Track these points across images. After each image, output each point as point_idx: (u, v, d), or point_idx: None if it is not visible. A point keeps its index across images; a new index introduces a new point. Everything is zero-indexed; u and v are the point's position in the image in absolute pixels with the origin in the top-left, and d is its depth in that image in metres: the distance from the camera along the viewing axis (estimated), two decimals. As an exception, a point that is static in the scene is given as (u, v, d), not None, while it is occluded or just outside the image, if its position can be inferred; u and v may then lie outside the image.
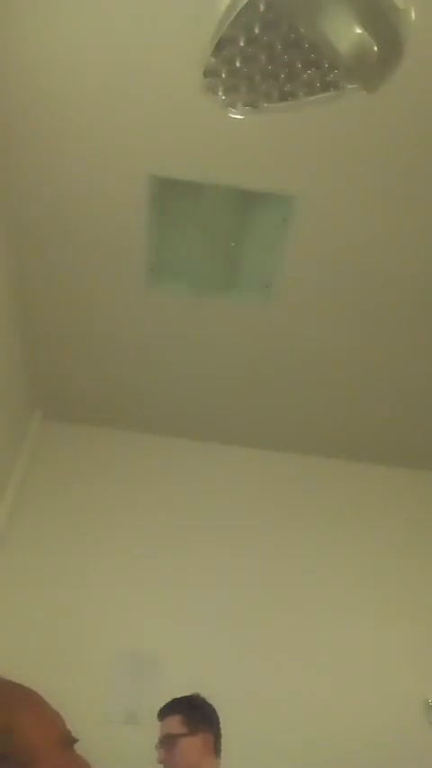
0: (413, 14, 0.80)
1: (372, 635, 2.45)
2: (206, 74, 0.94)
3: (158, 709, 1.76)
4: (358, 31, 0.81)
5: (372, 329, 2.31)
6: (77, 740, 0.71)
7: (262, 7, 0.85)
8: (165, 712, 1.74)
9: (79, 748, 0.72)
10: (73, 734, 0.72)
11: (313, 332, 2.34)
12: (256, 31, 0.88)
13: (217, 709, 1.74)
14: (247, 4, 0.80)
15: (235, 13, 0.81)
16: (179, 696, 1.77)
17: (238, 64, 0.93)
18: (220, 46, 0.89)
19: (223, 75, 0.94)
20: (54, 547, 2.48)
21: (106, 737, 1.97)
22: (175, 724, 1.69)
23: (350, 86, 0.94)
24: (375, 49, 0.82)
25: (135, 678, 2.23)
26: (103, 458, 2.79)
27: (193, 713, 1.72)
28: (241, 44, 0.90)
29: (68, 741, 0.71)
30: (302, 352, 2.43)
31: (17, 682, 0.73)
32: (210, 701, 1.76)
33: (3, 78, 1.64)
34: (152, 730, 2.13)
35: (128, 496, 2.68)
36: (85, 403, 2.79)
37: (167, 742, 1.67)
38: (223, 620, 2.37)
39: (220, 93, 0.97)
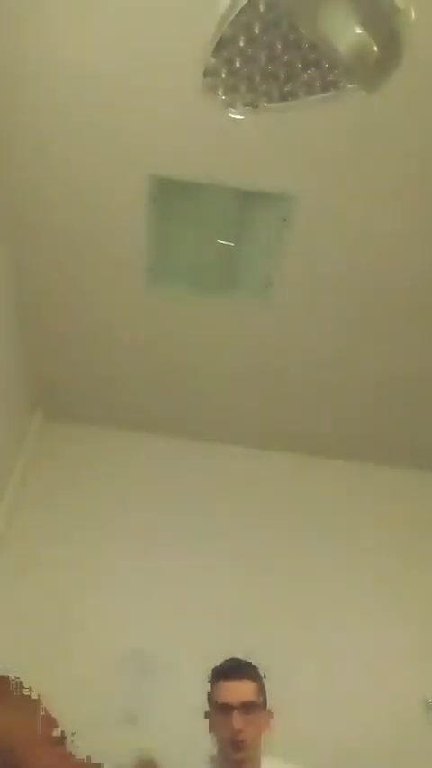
0: (413, 14, 0.80)
1: (372, 635, 2.45)
2: (206, 74, 0.94)
3: (223, 665, 1.56)
4: (358, 31, 0.81)
5: (371, 329, 2.31)
6: (63, 731, 0.71)
7: (262, 7, 0.84)
8: (238, 673, 1.53)
9: (79, 748, 0.72)
10: (59, 724, 0.72)
11: (313, 332, 2.34)
12: (256, 31, 0.88)
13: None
14: (247, 4, 0.80)
15: (235, 13, 0.81)
16: (241, 659, 1.57)
17: (238, 64, 0.93)
18: (220, 46, 0.89)
19: (223, 75, 0.94)
20: (54, 547, 2.48)
21: (106, 737, 1.97)
22: (252, 691, 1.50)
23: (350, 86, 0.94)
24: (375, 49, 0.82)
25: (135, 678, 2.23)
26: (103, 458, 2.79)
27: (263, 684, 1.55)
28: (241, 44, 0.90)
29: (52, 731, 0.70)
30: (302, 352, 2.43)
31: None
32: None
33: (3, 78, 1.64)
34: (152, 730, 2.13)
35: (128, 496, 2.68)
36: (86, 403, 2.79)
37: (249, 709, 1.46)
38: (223, 620, 2.36)
39: (220, 93, 0.97)
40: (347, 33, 0.81)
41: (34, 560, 2.44)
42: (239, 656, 1.63)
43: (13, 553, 2.43)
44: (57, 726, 0.72)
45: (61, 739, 0.71)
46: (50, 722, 0.72)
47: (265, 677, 1.59)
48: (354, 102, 1.03)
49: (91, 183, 1.89)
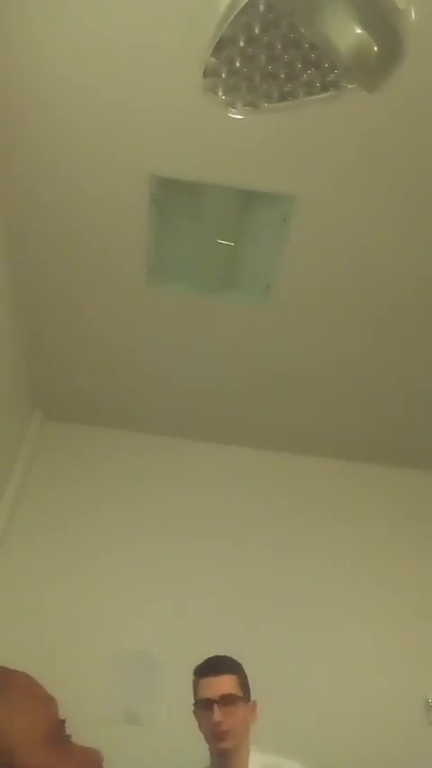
0: (413, 14, 0.80)
1: (372, 634, 2.45)
2: (206, 74, 0.94)
3: (202, 664, 1.60)
4: (358, 31, 0.81)
5: (372, 329, 2.31)
6: (64, 719, 0.71)
7: (262, 7, 0.85)
8: (216, 669, 1.57)
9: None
10: (64, 722, 0.72)
11: (313, 332, 2.34)
12: (256, 31, 0.88)
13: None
14: (247, 4, 0.80)
15: (235, 13, 0.81)
16: (223, 656, 1.61)
17: (238, 64, 0.93)
18: (220, 46, 0.89)
19: (223, 75, 0.94)
20: (54, 547, 2.48)
21: (106, 737, 1.97)
22: (233, 684, 1.54)
23: (350, 86, 0.94)
24: (375, 49, 0.82)
25: (135, 678, 2.23)
26: (103, 458, 2.79)
27: (245, 678, 1.59)
28: (241, 44, 0.90)
29: (58, 730, 0.70)
30: (302, 353, 2.43)
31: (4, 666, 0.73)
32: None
33: (3, 78, 1.64)
34: (152, 730, 2.13)
35: (128, 496, 2.68)
36: (86, 403, 2.79)
37: (228, 701, 1.50)
38: (224, 619, 2.36)
39: (220, 93, 0.97)
40: (347, 33, 0.81)
41: (34, 560, 2.44)
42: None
43: (13, 553, 2.43)
44: (59, 721, 0.72)
45: (63, 735, 0.71)
46: (54, 719, 0.72)
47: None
48: (354, 103, 1.04)
49: (91, 183, 1.89)
